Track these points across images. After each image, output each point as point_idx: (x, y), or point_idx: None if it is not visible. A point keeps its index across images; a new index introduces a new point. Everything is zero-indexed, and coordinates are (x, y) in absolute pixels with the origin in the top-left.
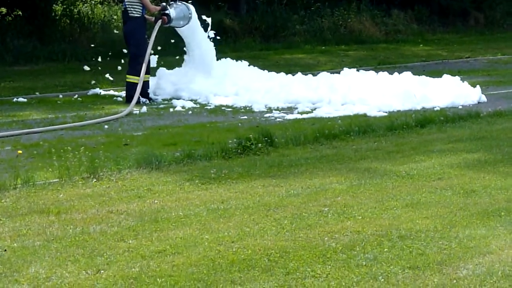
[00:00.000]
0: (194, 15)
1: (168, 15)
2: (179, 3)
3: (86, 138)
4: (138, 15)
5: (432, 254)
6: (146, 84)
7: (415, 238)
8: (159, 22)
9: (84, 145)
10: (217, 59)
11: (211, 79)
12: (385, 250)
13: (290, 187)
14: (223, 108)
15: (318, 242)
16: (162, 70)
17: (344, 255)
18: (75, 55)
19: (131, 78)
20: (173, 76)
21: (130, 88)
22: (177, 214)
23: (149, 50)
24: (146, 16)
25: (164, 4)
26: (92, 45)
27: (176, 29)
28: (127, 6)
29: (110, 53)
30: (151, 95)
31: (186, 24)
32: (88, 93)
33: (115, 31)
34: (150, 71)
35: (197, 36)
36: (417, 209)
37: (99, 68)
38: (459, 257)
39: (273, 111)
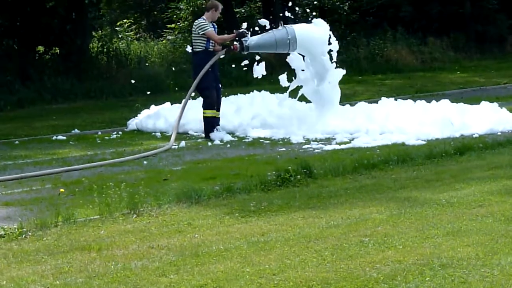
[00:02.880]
0: (302, 38)
1: (242, 42)
2: (280, 27)
3: (125, 174)
4: (201, 49)
5: (475, 282)
6: (215, 121)
7: (457, 267)
8: (223, 52)
9: (124, 181)
10: (252, 91)
11: (248, 112)
12: (427, 279)
13: (330, 218)
14: (261, 140)
15: (360, 272)
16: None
17: (386, 285)
18: (112, 92)
19: (206, 113)
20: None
21: (206, 123)
22: (217, 247)
23: (196, 82)
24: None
25: (241, 31)
26: (133, 81)
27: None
28: (192, 40)
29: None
30: (213, 134)
31: (289, 50)
32: (126, 129)
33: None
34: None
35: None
36: (458, 237)
37: (137, 104)
38: (502, 285)
39: (311, 142)
